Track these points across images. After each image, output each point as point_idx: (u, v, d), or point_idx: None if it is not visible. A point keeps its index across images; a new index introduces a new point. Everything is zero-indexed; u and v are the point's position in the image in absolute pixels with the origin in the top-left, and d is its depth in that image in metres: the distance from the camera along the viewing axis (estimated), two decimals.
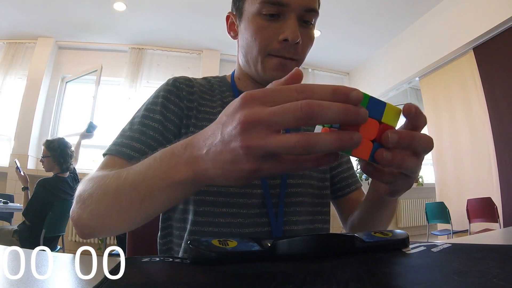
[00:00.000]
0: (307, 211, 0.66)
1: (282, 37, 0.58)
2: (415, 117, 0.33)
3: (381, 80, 4.34)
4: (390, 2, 3.36)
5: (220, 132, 0.30)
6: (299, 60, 0.63)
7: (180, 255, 0.61)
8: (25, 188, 2.58)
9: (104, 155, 0.58)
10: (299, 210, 0.64)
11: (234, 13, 0.68)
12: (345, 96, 0.27)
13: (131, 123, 0.62)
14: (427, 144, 0.33)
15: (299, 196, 0.65)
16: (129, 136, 0.59)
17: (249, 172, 0.29)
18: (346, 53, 4.52)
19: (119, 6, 3.49)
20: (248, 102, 0.28)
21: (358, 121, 0.28)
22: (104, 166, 0.55)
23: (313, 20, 0.62)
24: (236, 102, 0.29)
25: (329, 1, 3.31)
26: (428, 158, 4.25)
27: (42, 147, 2.57)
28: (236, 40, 0.69)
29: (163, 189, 0.36)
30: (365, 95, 0.30)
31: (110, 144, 0.59)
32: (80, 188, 0.47)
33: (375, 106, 0.31)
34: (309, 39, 0.63)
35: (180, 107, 0.64)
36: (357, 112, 0.27)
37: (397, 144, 0.31)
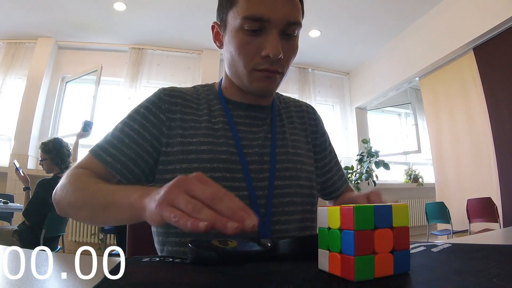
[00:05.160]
0: (297, 211, 0.68)
1: (264, 53, 0.59)
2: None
3: (381, 80, 4.33)
4: (390, 2, 3.35)
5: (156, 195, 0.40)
6: (283, 72, 0.64)
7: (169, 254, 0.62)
8: (26, 188, 2.58)
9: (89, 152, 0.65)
10: (287, 210, 0.66)
11: (219, 23, 0.67)
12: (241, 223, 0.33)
13: (115, 128, 0.66)
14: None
15: (288, 196, 0.67)
16: (108, 141, 0.64)
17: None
18: (346, 53, 4.52)
19: (119, 6, 3.48)
20: (174, 186, 0.38)
21: (227, 232, 0.33)
22: (83, 163, 0.63)
23: (296, 32, 0.62)
24: (171, 182, 0.39)
25: (329, 1, 3.31)
26: (428, 158, 4.24)
27: (39, 151, 2.57)
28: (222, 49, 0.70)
29: (121, 220, 0.51)
30: (369, 207, 0.29)
31: (95, 144, 0.65)
32: (64, 179, 0.58)
33: (383, 212, 0.30)
34: (292, 51, 0.64)
35: (160, 119, 0.66)
36: (225, 224, 0.33)
37: None
